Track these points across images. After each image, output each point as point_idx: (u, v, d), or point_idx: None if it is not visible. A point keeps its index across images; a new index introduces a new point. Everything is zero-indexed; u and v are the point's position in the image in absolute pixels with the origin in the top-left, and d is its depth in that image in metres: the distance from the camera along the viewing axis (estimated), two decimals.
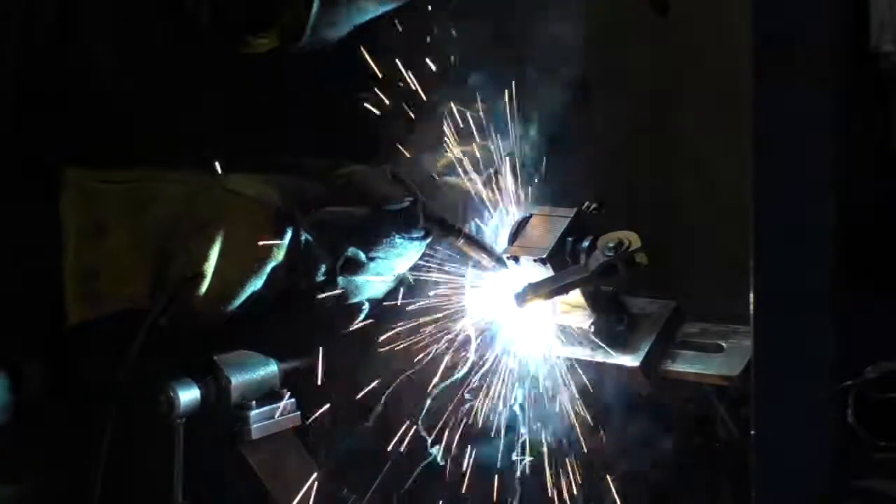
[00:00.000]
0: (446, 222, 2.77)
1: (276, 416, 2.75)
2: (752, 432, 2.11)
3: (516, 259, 2.77)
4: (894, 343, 2.00)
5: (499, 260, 2.78)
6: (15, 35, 2.67)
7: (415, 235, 2.74)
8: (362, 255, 2.73)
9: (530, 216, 2.83)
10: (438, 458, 2.76)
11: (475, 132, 2.82)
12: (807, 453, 2.02)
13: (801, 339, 2.02)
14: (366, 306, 2.78)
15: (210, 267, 2.61)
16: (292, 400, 2.77)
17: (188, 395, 2.65)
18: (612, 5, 3.15)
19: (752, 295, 2.08)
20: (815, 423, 2.01)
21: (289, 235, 2.65)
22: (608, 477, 2.73)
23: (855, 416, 1.98)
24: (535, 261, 2.75)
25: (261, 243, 2.63)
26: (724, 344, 2.74)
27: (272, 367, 2.75)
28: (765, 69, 2.03)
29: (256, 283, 2.64)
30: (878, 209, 1.99)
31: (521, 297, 2.71)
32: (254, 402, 2.71)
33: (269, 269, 2.65)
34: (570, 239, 2.75)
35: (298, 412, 2.78)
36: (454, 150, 2.83)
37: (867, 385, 1.98)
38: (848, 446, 2.00)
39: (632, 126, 3.13)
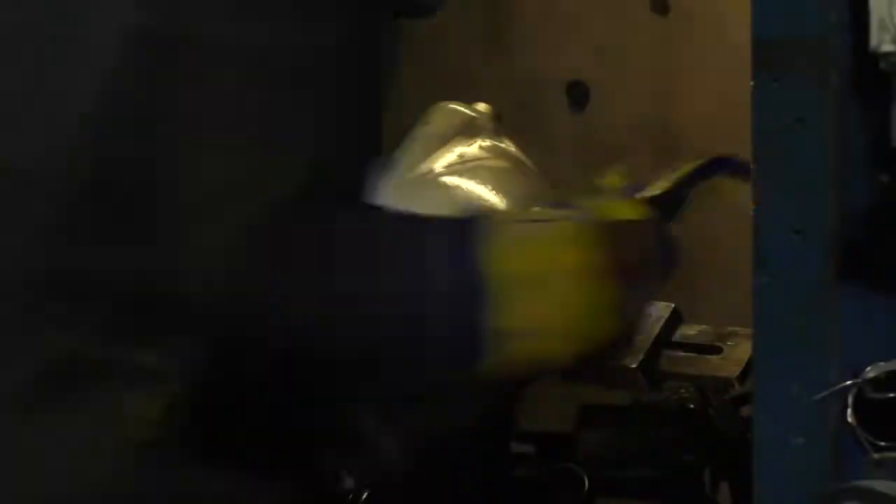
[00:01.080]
0: None
1: None
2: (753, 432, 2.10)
3: None
4: (894, 343, 1.99)
5: None
6: None
7: None
8: None
9: None
10: None
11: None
12: (807, 453, 2.01)
13: (801, 339, 2.02)
14: None
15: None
16: None
17: None
18: (611, 5, 3.16)
19: (752, 295, 2.08)
20: (815, 423, 2.01)
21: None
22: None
23: (855, 416, 1.98)
24: None
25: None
26: (722, 345, 2.73)
27: None
28: (765, 69, 2.03)
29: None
30: (878, 209, 1.99)
31: None
32: None
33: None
34: None
35: None
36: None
37: (867, 385, 1.98)
38: (848, 446, 2.00)
39: (632, 126, 3.14)
